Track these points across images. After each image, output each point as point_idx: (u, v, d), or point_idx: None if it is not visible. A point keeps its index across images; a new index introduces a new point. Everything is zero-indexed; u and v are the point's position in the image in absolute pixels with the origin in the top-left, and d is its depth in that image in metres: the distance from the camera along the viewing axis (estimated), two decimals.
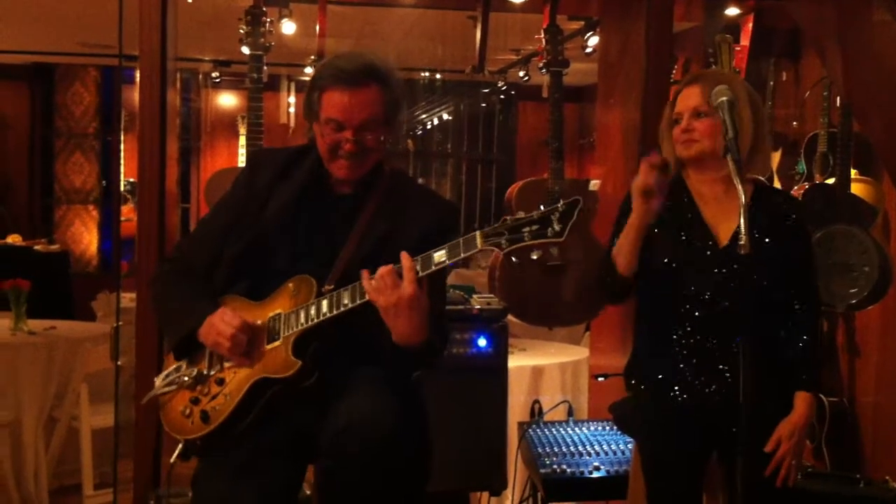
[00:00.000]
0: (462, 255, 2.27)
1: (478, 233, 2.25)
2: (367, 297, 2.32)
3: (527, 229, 2.22)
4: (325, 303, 2.37)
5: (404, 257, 2.29)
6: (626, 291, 2.78)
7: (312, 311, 2.38)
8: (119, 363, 4.01)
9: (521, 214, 2.25)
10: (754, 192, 2.72)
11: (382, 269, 2.28)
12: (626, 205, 2.75)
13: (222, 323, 2.41)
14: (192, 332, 2.46)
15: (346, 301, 2.35)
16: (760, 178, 2.86)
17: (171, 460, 2.54)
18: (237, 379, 2.43)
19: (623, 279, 2.71)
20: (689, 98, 2.70)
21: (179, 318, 2.52)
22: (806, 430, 2.67)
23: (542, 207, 2.25)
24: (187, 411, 2.48)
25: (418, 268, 2.29)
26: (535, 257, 4.11)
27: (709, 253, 2.66)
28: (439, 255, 2.28)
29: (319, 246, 2.51)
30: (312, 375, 2.38)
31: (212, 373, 2.48)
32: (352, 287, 2.36)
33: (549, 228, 2.20)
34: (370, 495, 2.32)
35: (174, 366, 2.57)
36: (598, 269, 2.81)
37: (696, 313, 2.66)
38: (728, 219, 2.68)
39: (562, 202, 2.22)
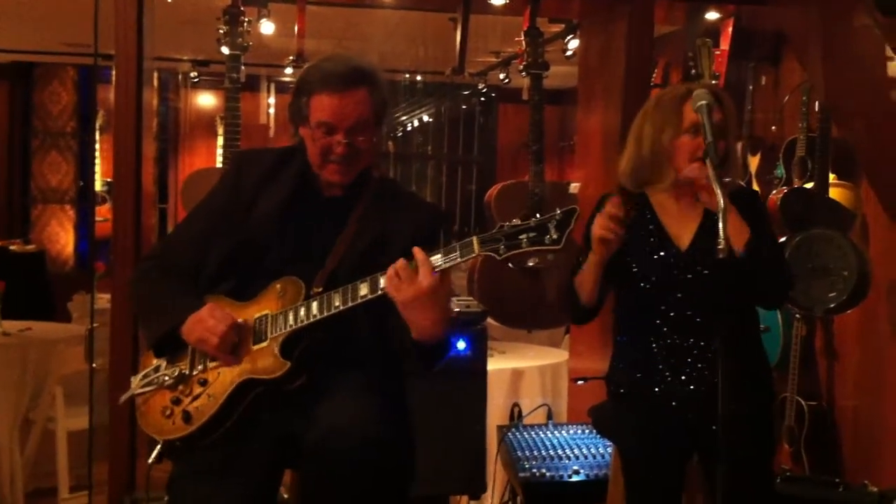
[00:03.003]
0: (459, 260, 2.24)
1: (475, 238, 2.23)
2: (359, 300, 2.30)
3: (524, 236, 2.20)
4: (314, 304, 2.35)
5: (417, 251, 2.24)
6: (591, 317, 2.80)
7: (302, 313, 2.36)
8: (94, 365, 3.98)
9: (517, 221, 2.24)
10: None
11: (397, 264, 2.24)
12: (588, 230, 2.74)
13: (212, 319, 2.38)
14: (174, 329, 2.43)
15: (337, 303, 2.33)
16: (734, 180, 2.87)
17: (149, 461, 2.50)
18: (221, 379, 2.40)
19: (586, 308, 2.73)
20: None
21: (161, 315, 2.48)
22: None
23: (538, 215, 2.24)
24: (168, 411, 2.44)
25: (441, 261, 2.26)
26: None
27: (672, 260, 2.69)
28: (435, 259, 2.26)
29: (307, 248, 2.49)
30: (300, 377, 2.36)
31: (194, 373, 2.45)
32: (343, 289, 2.33)
33: (547, 236, 2.19)
34: (353, 500, 2.30)
35: (153, 365, 2.53)
36: (561, 295, 2.81)
37: (672, 313, 2.68)
38: (686, 226, 2.72)
39: (559, 210, 2.20)
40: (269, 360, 2.36)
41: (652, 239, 2.73)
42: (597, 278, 2.67)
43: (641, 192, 2.78)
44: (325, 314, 2.33)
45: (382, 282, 2.27)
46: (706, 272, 2.64)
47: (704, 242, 2.64)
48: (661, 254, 2.70)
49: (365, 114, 2.44)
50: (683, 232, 2.72)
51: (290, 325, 2.37)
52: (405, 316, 2.26)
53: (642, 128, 2.74)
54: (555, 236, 2.18)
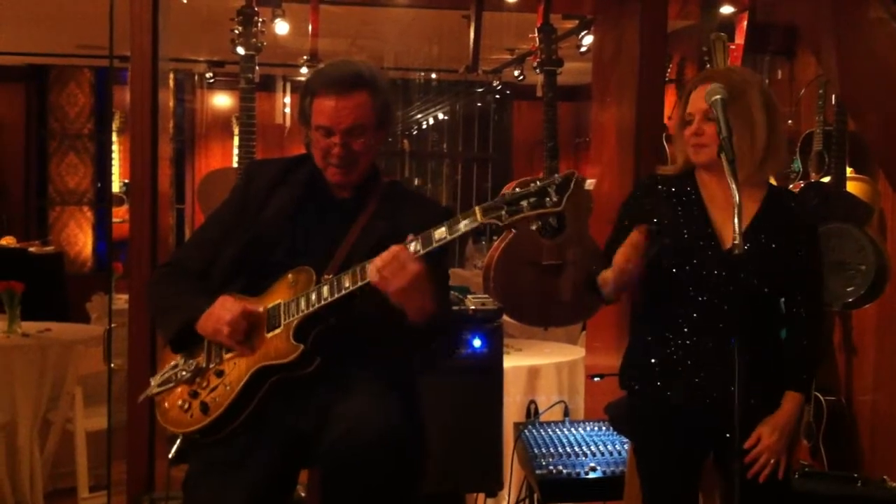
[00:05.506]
0: (462, 230, 2.29)
1: (477, 208, 2.28)
2: (367, 279, 2.33)
3: (525, 202, 2.25)
4: (325, 289, 2.39)
5: (392, 249, 2.31)
6: (611, 302, 2.80)
7: (313, 298, 2.40)
8: (112, 365, 3.99)
9: (518, 189, 2.27)
10: (767, 194, 2.68)
11: (385, 257, 2.29)
12: (623, 211, 2.74)
13: (223, 310, 2.43)
14: (189, 324, 2.48)
15: (346, 284, 2.37)
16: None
17: (169, 456, 2.54)
18: (237, 369, 2.44)
19: (609, 301, 2.74)
20: (700, 99, 2.59)
21: (176, 312, 2.54)
22: (791, 430, 2.64)
23: (537, 182, 2.27)
24: (186, 405, 2.48)
25: (419, 247, 2.31)
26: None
27: (710, 254, 2.62)
28: (440, 232, 2.31)
29: (318, 244, 2.54)
30: (313, 362, 2.39)
31: (211, 366, 2.49)
32: (352, 270, 2.37)
33: (547, 199, 2.23)
34: (371, 498, 2.33)
35: (171, 364, 2.58)
36: (585, 278, 2.78)
37: (695, 314, 2.64)
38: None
39: (558, 175, 2.25)
40: (282, 345, 2.40)
41: (695, 227, 2.66)
42: (620, 287, 2.64)
43: (690, 174, 2.73)
44: (336, 296, 2.37)
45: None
46: (743, 276, 2.57)
47: (752, 246, 2.58)
48: (701, 244, 2.63)
49: (362, 117, 2.49)
50: (730, 229, 2.67)
51: (302, 310, 2.40)
52: (399, 302, 2.33)
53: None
54: (555, 199, 2.23)
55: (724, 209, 2.65)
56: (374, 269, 2.30)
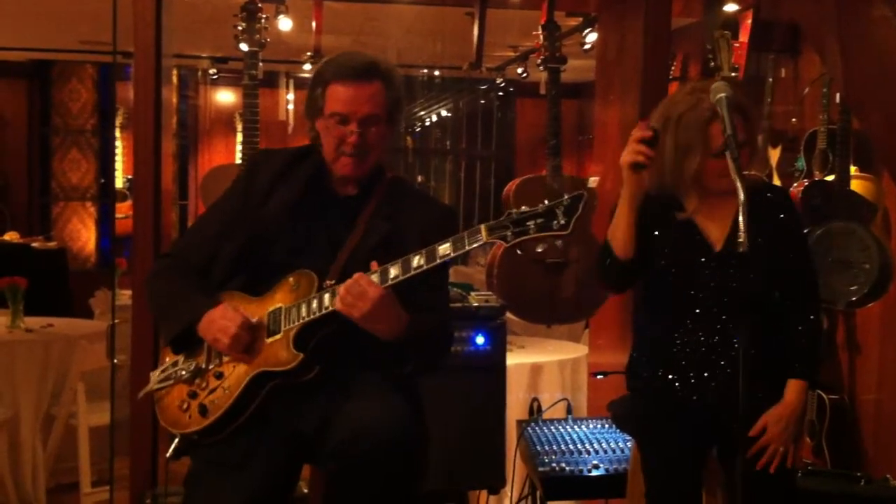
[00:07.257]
0: (467, 248, 2.28)
1: (482, 226, 2.27)
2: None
3: (532, 222, 2.24)
4: (326, 296, 2.38)
5: (357, 276, 2.31)
6: (626, 278, 2.74)
7: (314, 305, 2.39)
8: (115, 361, 3.99)
9: (525, 208, 2.25)
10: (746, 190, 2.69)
11: (345, 287, 2.30)
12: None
13: (223, 319, 2.41)
14: (190, 326, 2.46)
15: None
16: (757, 174, 2.84)
17: (167, 455, 2.54)
18: (237, 373, 2.43)
19: (621, 263, 2.66)
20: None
21: (177, 312, 2.52)
22: (796, 419, 2.64)
23: (546, 202, 2.25)
24: (185, 405, 2.48)
25: (423, 261, 2.29)
26: (539, 250, 4.09)
27: (703, 259, 2.65)
28: (444, 248, 2.30)
29: (320, 243, 2.52)
30: (313, 369, 2.38)
31: (210, 367, 2.48)
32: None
33: (555, 221, 2.22)
34: (374, 498, 2.34)
35: (171, 360, 2.57)
36: (596, 258, 2.76)
37: (697, 310, 2.65)
38: (720, 225, 2.68)
39: (566, 196, 2.23)
40: (282, 353, 2.39)
41: (684, 234, 2.68)
42: (630, 221, 2.61)
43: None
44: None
45: (393, 272, 2.32)
46: (738, 274, 2.59)
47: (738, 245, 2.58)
48: (693, 250, 2.66)
49: (378, 107, 2.47)
50: (718, 232, 2.67)
51: (303, 318, 2.39)
52: (368, 329, 2.34)
53: (664, 140, 2.62)
54: (562, 221, 2.21)
55: (707, 215, 2.69)
56: (337, 297, 2.32)
